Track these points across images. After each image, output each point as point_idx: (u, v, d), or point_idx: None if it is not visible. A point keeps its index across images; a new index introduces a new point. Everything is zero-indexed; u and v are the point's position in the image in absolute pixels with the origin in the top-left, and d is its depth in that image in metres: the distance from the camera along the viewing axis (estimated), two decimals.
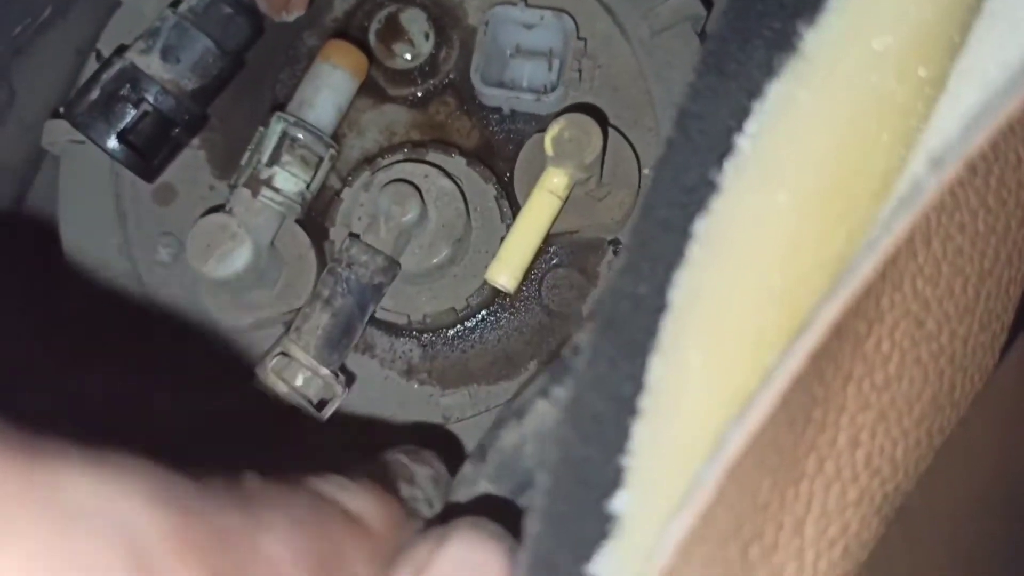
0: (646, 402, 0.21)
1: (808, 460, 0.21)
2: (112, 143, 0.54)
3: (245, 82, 0.60)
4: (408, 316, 0.56)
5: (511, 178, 0.58)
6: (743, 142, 0.22)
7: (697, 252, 0.21)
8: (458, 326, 0.58)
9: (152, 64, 0.54)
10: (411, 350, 0.58)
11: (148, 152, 0.55)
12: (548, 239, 0.53)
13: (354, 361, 0.57)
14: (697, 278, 0.21)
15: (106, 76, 0.54)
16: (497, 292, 0.57)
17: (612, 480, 0.21)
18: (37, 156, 0.62)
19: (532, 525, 0.22)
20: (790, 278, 0.20)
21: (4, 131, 0.59)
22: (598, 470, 0.21)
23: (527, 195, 0.53)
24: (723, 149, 0.22)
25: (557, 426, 0.22)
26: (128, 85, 0.53)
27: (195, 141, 0.59)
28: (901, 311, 0.22)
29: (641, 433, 0.21)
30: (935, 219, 0.23)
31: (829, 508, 0.21)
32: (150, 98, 0.54)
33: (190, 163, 0.59)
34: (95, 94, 0.54)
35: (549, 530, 0.21)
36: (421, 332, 0.58)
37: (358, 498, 0.27)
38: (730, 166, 0.22)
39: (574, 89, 0.58)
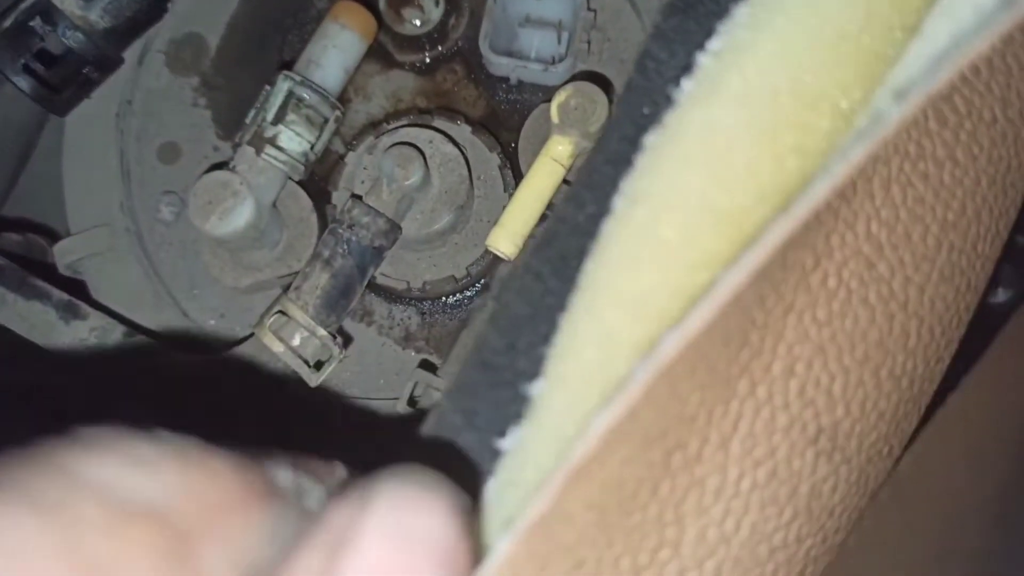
0: (574, 300, 0.22)
1: (740, 381, 0.22)
2: (17, 73, 0.56)
3: (252, 43, 0.62)
4: (408, 283, 0.58)
5: (516, 148, 0.59)
6: (705, 59, 0.23)
7: (643, 161, 0.22)
8: (457, 295, 0.59)
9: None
10: (409, 317, 0.59)
11: (55, 86, 0.57)
12: (550, 208, 0.54)
13: (352, 328, 0.59)
14: (638, 185, 0.22)
15: (22, 6, 0.56)
16: (498, 261, 0.58)
17: (532, 368, 0.22)
18: (43, 112, 0.63)
19: (442, 402, 0.23)
20: (735, 201, 0.22)
21: (11, 86, 0.60)
22: (518, 359, 0.22)
23: (531, 166, 0.54)
24: (685, 69, 0.23)
25: (481, 324, 0.23)
26: (39, 17, 0.55)
27: (201, 100, 0.61)
28: (852, 250, 0.23)
29: (565, 327, 0.22)
30: (897, 165, 0.24)
31: (756, 430, 0.22)
32: (59, 33, 0.56)
33: (195, 122, 0.61)
34: (7, 23, 0.56)
35: (459, 406, 0.22)
36: (420, 300, 0.59)
37: (158, 479, 0.20)
38: (688, 82, 0.23)
39: (582, 61, 0.59)
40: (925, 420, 0.36)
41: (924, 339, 0.26)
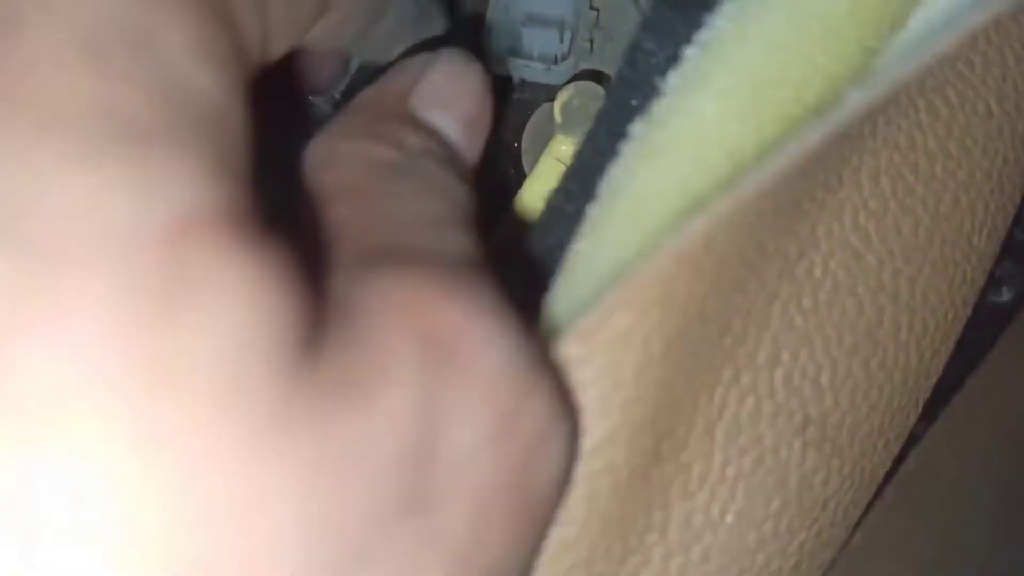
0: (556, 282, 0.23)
1: (724, 368, 0.23)
2: None
3: None
4: None
5: (519, 148, 0.59)
6: (691, 51, 0.24)
7: (628, 150, 0.23)
8: None
9: None
10: None
11: None
12: None
13: None
14: (622, 174, 0.23)
15: None
16: None
17: None
18: None
19: None
20: (717, 192, 0.22)
21: None
22: None
23: (534, 165, 0.54)
24: (673, 60, 0.24)
25: None
26: None
27: None
28: (838, 240, 0.24)
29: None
30: (886, 157, 0.25)
31: (742, 418, 0.23)
32: None
33: None
34: None
35: None
36: None
37: None
38: (675, 74, 0.24)
39: (585, 60, 0.59)
40: (931, 420, 0.36)
41: (917, 332, 0.26)
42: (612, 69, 0.60)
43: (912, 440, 0.33)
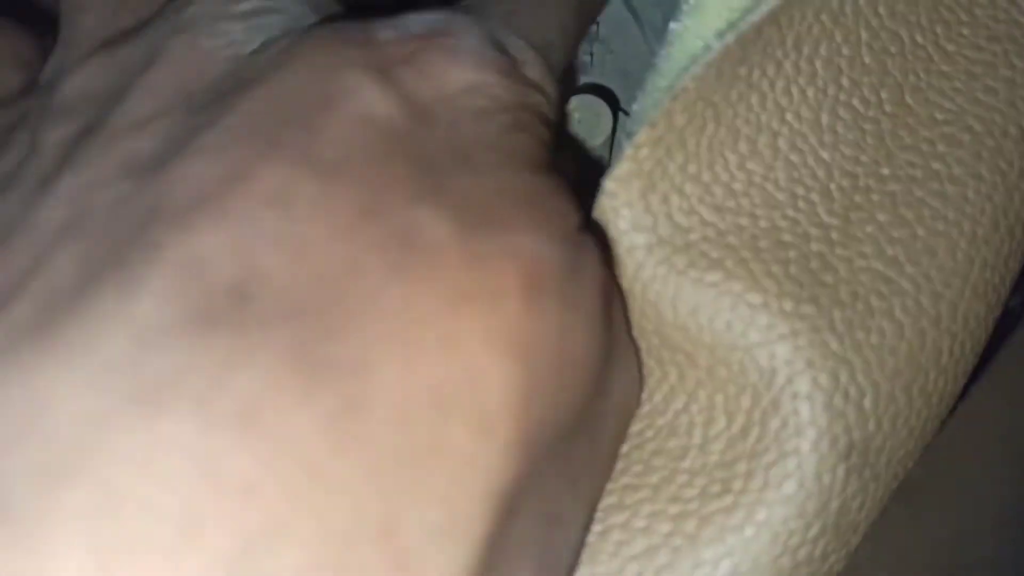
0: None
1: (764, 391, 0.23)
2: None
3: None
4: None
5: None
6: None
7: None
8: None
9: None
10: None
11: None
12: None
13: None
14: None
15: None
16: None
17: None
18: None
19: None
20: None
21: None
22: None
23: None
24: None
25: None
26: None
27: None
28: (861, 269, 0.24)
29: None
30: (903, 190, 0.25)
31: (783, 439, 0.23)
32: None
33: None
34: None
35: None
36: None
37: None
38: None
39: (585, 74, 0.59)
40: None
41: (956, 356, 0.26)
42: (612, 82, 0.60)
43: None
